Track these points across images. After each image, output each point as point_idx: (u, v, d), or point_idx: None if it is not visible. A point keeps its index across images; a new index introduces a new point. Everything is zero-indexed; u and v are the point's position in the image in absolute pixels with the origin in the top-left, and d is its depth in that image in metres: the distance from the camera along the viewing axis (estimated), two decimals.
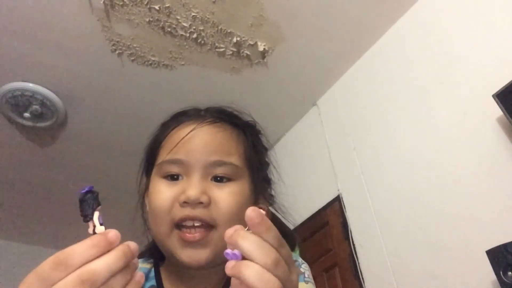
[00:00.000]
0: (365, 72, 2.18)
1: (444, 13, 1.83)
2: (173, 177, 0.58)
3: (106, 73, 2.18)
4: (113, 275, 0.34)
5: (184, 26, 1.97)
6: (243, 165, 0.61)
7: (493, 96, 1.43)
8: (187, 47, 2.08)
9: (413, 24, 1.97)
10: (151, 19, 1.93)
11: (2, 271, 3.16)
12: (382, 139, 1.95)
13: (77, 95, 2.28)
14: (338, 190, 2.09)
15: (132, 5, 1.87)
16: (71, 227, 3.04)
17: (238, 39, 2.06)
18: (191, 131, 0.60)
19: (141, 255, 0.65)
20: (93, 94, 2.29)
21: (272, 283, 0.35)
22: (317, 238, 2.12)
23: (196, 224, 0.54)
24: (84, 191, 0.37)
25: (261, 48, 2.10)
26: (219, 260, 0.53)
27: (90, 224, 0.36)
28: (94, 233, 0.36)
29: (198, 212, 0.54)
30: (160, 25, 1.96)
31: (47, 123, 2.37)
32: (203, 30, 2.00)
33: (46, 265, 0.33)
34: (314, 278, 0.64)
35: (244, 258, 0.36)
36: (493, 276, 1.23)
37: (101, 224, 0.37)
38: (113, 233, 0.35)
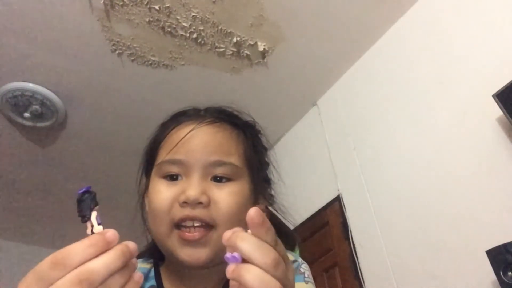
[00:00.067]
0: (365, 72, 2.18)
1: (444, 13, 1.83)
2: (173, 177, 0.58)
3: (106, 73, 2.18)
4: (111, 274, 0.33)
5: (184, 26, 1.97)
6: (243, 165, 0.61)
7: (493, 96, 1.43)
8: (187, 47, 2.08)
9: (413, 24, 1.97)
10: (151, 19, 1.93)
11: (2, 271, 3.16)
12: (382, 139, 1.95)
13: (77, 95, 2.28)
14: (338, 190, 2.09)
15: (132, 5, 1.87)
16: (70, 227, 3.05)
17: (238, 39, 2.06)
18: (190, 131, 0.60)
19: (141, 255, 0.65)
20: (93, 94, 2.29)
21: (273, 286, 0.35)
22: (317, 238, 2.12)
23: (195, 224, 0.54)
24: (81, 191, 0.37)
25: (261, 48, 2.10)
26: (218, 260, 0.53)
27: (88, 224, 0.36)
28: (93, 233, 0.36)
29: (198, 212, 0.54)
30: (160, 25, 1.96)
31: (47, 123, 2.37)
32: (203, 30, 2.00)
33: (44, 265, 0.33)
34: (314, 278, 0.64)
35: (244, 259, 0.36)
36: (493, 276, 1.23)
37: (99, 224, 0.37)
38: (111, 233, 0.35)
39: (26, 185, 2.85)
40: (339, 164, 2.14)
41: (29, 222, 3.21)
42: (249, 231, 0.37)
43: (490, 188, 1.44)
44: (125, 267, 0.35)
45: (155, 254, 0.64)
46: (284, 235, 0.70)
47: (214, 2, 1.89)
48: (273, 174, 0.72)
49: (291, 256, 0.64)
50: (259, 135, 0.71)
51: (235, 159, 0.60)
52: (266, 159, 0.71)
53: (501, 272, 1.20)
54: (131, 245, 0.36)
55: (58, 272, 0.32)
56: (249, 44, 2.09)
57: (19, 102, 2.22)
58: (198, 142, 0.59)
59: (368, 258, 1.82)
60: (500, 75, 1.47)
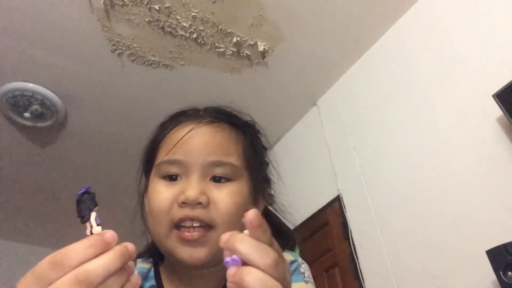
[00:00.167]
0: (365, 72, 2.18)
1: (444, 13, 1.82)
2: (172, 178, 0.58)
3: (106, 73, 2.18)
4: (110, 275, 0.33)
5: (184, 26, 1.97)
6: (242, 165, 0.61)
7: (493, 96, 1.43)
8: (187, 47, 2.08)
9: (413, 24, 1.97)
10: (151, 19, 1.93)
11: (2, 271, 3.16)
12: (382, 139, 1.95)
13: (77, 95, 2.28)
14: (338, 190, 2.09)
15: (132, 5, 1.87)
16: (70, 227, 3.05)
17: (238, 39, 2.06)
18: (189, 131, 0.59)
19: (140, 255, 0.65)
20: (93, 94, 2.29)
21: (274, 287, 0.35)
22: (317, 238, 2.12)
23: (195, 225, 0.54)
24: (81, 191, 0.37)
25: (261, 48, 2.10)
26: (218, 260, 0.53)
27: (88, 225, 0.36)
28: (92, 234, 0.36)
29: (197, 212, 0.54)
30: (160, 25, 1.96)
31: (47, 123, 2.37)
32: (203, 30, 2.00)
33: (43, 265, 0.33)
34: (314, 278, 0.64)
35: (243, 262, 0.36)
36: (493, 276, 1.23)
37: (98, 225, 0.36)
38: (110, 234, 0.35)
39: (26, 185, 2.85)
40: (339, 164, 2.14)
41: (29, 222, 3.21)
42: (245, 231, 0.37)
43: (490, 188, 1.44)
44: (123, 268, 0.35)
45: (155, 254, 0.64)
46: (284, 235, 0.70)
47: (214, 2, 1.89)
48: (272, 174, 0.72)
49: (291, 256, 0.64)
50: (259, 134, 0.70)
51: (234, 159, 0.60)
52: (266, 159, 0.71)
53: (501, 272, 1.20)
54: (130, 246, 0.36)
55: (56, 272, 0.32)
56: (249, 44, 2.09)
57: (19, 102, 2.22)
58: (197, 142, 0.59)
59: (368, 258, 1.82)
60: (500, 75, 1.47)
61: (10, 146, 2.54)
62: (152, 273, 0.62)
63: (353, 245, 1.89)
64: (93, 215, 0.37)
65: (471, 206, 1.48)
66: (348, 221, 1.97)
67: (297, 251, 0.73)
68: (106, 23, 1.94)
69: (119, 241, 0.36)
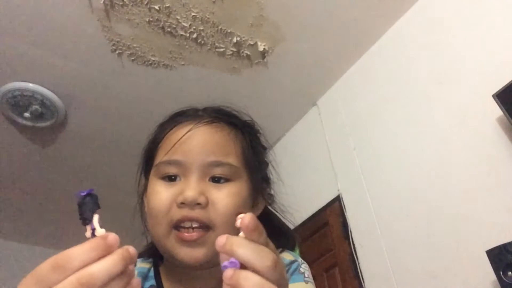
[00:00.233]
0: (365, 72, 2.18)
1: (444, 13, 1.82)
2: (171, 178, 0.58)
3: (106, 73, 2.18)
4: (111, 279, 0.33)
5: (184, 26, 1.97)
6: (241, 165, 0.61)
7: (493, 96, 1.43)
8: (187, 47, 2.08)
9: (413, 24, 1.97)
10: (151, 19, 1.93)
11: (2, 271, 3.16)
12: (382, 139, 1.95)
13: (77, 95, 2.28)
14: (338, 190, 2.09)
15: (132, 5, 1.87)
16: (71, 227, 3.04)
17: (238, 39, 2.06)
18: (188, 131, 0.59)
19: (140, 255, 0.65)
20: (93, 94, 2.29)
21: None
22: (317, 238, 2.12)
23: (194, 225, 0.54)
24: (83, 193, 0.37)
25: (261, 48, 2.10)
26: (217, 260, 0.53)
27: (88, 227, 0.36)
28: (93, 236, 0.35)
29: (196, 213, 0.54)
30: (160, 25, 1.96)
31: (47, 123, 2.37)
32: (203, 30, 2.00)
33: (44, 267, 0.33)
34: (314, 278, 0.64)
35: (242, 264, 0.35)
36: (493, 276, 1.23)
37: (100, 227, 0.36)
38: (112, 237, 0.34)
39: (26, 185, 2.86)
40: (339, 164, 2.14)
41: (29, 222, 3.21)
42: (241, 233, 0.37)
43: (490, 188, 1.44)
44: (124, 272, 0.34)
45: (154, 253, 0.64)
46: (284, 235, 0.70)
47: (214, 2, 1.89)
48: (272, 174, 0.72)
49: (291, 256, 0.64)
50: (258, 134, 0.70)
51: (233, 159, 0.60)
52: (265, 158, 0.71)
53: (501, 272, 1.20)
54: (131, 249, 0.36)
55: (58, 275, 0.32)
56: (249, 44, 2.09)
57: (19, 102, 2.22)
58: (196, 143, 0.59)
59: (368, 258, 1.82)
60: (500, 75, 1.47)
61: (10, 146, 2.54)
62: (152, 273, 0.62)
63: (353, 245, 1.89)
64: (96, 217, 0.36)
65: (471, 206, 1.48)
66: (348, 221, 1.97)
67: (297, 251, 0.73)
68: (106, 23, 1.94)
69: (119, 241, 0.35)
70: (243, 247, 0.35)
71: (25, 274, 0.33)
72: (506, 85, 1.40)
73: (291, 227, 0.75)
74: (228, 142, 0.61)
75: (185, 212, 0.54)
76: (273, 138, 2.57)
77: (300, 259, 0.64)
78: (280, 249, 0.65)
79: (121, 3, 1.86)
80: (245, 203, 0.59)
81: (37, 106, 2.24)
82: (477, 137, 1.54)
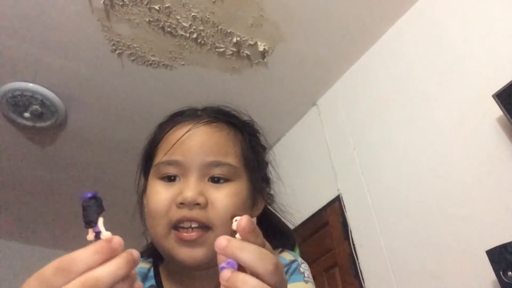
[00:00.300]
0: (365, 72, 2.18)
1: (444, 13, 1.82)
2: (170, 178, 0.58)
3: (106, 73, 2.18)
4: (116, 283, 0.33)
5: (184, 26, 1.97)
6: (241, 165, 0.61)
7: (493, 96, 1.43)
8: (187, 47, 2.08)
9: (413, 24, 1.97)
10: (151, 19, 1.93)
11: (2, 271, 3.16)
12: (382, 139, 1.95)
13: (77, 95, 2.28)
14: (338, 190, 2.09)
15: (132, 5, 1.87)
16: (71, 227, 3.05)
17: (238, 39, 2.06)
18: (187, 131, 0.59)
19: (140, 255, 0.65)
20: (93, 94, 2.29)
21: None
22: (317, 238, 2.12)
23: (193, 226, 0.54)
24: (87, 196, 0.37)
25: (261, 48, 2.10)
26: (216, 261, 0.53)
27: (90, 230, 0.35)
28: (97, 238, 0.35)
29: (195, 213, 0.54)
30: (160, 25, 1.96)
31: (47, 123, 2.37)
32: (203, 30, 2.00)
33: (48, 270, 0.32)
34: (314, 278, 0.64)
35: (239, 266, 0.35)
36: (493, 276, 1.23)
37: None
38: (117, 240, 0.34)
39: (26, 185, 2.85)
40: (339, 164, 2.14)
41: (29, 222, 3.21)
42: (237, 235, 0.36)
43: (490, 188, 1.44)
44: (128, 275, 0.34)
45: (154, 253, 0.64)
46: (284, 235, 0.70)
47: (214, 2, 1.89)
48: (272, 174, 0.72)
49: (291, 256, 0.64)
50: (257, 134, 0.70)
51: (232, 159, 0.59)
52: (265, 158, 0.71)
53: (501, 272, 1.20)
54: (135, 253, 0.35)
55: (62, 279, 0.32)
56: (249, 44, 2.09)
57: (19, 102, 2.22)
58: (195, 143, 0.59)
59: (368, 258, 1.82)
60: (500, 75, 1.47)
61: (10, 146, 2.54)
62: (151, 273, 0.62)
63: (353, 245, 1.89)
64: (101, 220, 0.36)
65: (471, 206, 1.48)
66: (348, 221, 1.96)
67: (297, 250, 0.74)
68: (106, 23, 1.94)
69: (119, 242, 0.35)
70: (246, 251, 0.35)
71: (25, 274, 0.33)
72: (506, 85, 1.40)
73: (291, 227, 0.75)
74: (227, 142, 0.61)
75: (184, 212, 0.54)
76: (273, 138, 2.57)
77: (300, 259, 0.64)
78: (280, 249, 0.65)
79: (121, 3, 1.86)
80: (245, 203, 0.59)
81: (37, 106, 2.24)
82: (477, 137, 1.54)
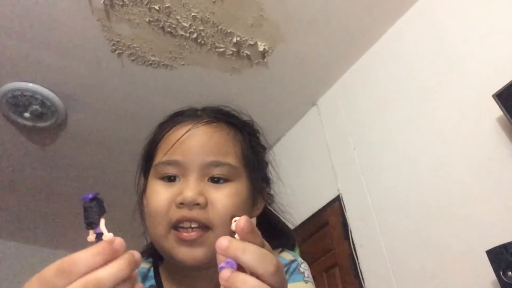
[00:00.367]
0: (365, 72, 2.18)
1: (444, 13, 1.82)
2: (170, 178, 0.58)
3: (106, 73, 2.18)
4: (117, 284, 0.33)
5: (184, 26, 1.97)
6: (241, 165, 0.61)
7: (493, 96, 1.43)
8: (187, 47, 2.08)
9: (413, 24, 1.97)
10: (151, 19, 1.93)
11: (2, 271, 3.16)
12: (382, 139, 1.95)
13: (77, 95, 2.28)
14: (338, 190, 2.09)
15: (132, 5, 1.87)
16: (71, 227, 3.05)
17: (238, 39, 2.06)
18: (187, 131, 0.59)
19: (140, 255, 0.65)
20: (93, 94, 2.29)
21: None
22: (317, 238, 2.12)
23: (193, 226, 0.54)
24: (89, 197, 0.36)
25: (261, 48, 2.10)
26: (216, 260, 0.53)
27: (91, 231, 0.35)
28: (98, 239, 0.35)
29: (195, 213, 0.54)
30: (160, 25, 1.96)
31: (47, 123, 2.37)
32: (203, 30, 2.00)
33: (50, 271, 0.32)
34: (314, 278, 0.64)
35: (239, 265, 0.35)
36: (493, 276, 1.23)
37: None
38: (118, 241, 0.34)
39: (26, 185, 2.85)
40: (339, 164, 2.14)
41: (29, 222, 3.21)
42: (236, 236, 0.36)
43: (490, 188, 1.44)
44: (129, 277, 0.34)
45: (154, 253, 0.64)
46: (284, 235, 0.70)
47: (214, 2, 1.89)
48: (272, 174, 0.72)
49: (291, 255, 0.64)
50: (257, 134, 0.70)
51: (232, 159, 0.59)
52: (265, 158, 0.71)
53: (501, 272, 1.20)
54: (136, 254, 0.35)
55: (63, 280, 0.32)
56: (249, 44, 2.09)
57: (19, 102, 2.22)
58: (195, 143, 0.58)
59: (368, 258, 1.82)
60: (500, 75, 1.47)
61: (10, 146, 2.54)
62: (151, 273, 0.62)
63: (353, 245, 1.89)
64: (102, 221, 0.36)
65: (471, 206, 1.48)
66: (348, 221, 1.96)
67: (297, 250, 0.74)
68: (106, 23, 1.94)
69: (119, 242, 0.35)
70: (247, 251, 0.35)
71: (25, 274, 0.33)
72: (506, 85, 1.40)
73: (291, 227, 0.75)
74: (227, 142, 0.61)
75: (184, 212, 0.54)
76: (273, 138, 2.57)
77: (299, 259, 0.64)
78: (280, 249, 0.65)
79: (121, 3, 1.86)
80: (245, 203, 0.59)
81: (37, 106, 2.24)
82: (477, 137, 1.54)
